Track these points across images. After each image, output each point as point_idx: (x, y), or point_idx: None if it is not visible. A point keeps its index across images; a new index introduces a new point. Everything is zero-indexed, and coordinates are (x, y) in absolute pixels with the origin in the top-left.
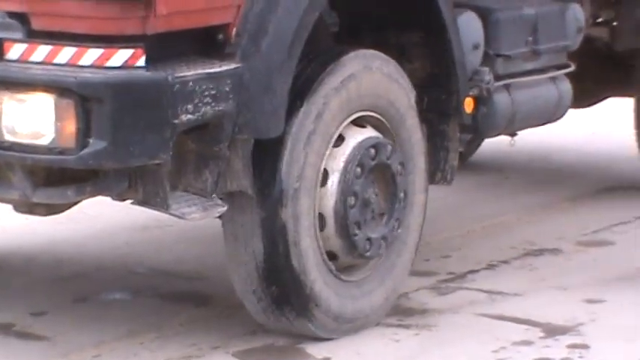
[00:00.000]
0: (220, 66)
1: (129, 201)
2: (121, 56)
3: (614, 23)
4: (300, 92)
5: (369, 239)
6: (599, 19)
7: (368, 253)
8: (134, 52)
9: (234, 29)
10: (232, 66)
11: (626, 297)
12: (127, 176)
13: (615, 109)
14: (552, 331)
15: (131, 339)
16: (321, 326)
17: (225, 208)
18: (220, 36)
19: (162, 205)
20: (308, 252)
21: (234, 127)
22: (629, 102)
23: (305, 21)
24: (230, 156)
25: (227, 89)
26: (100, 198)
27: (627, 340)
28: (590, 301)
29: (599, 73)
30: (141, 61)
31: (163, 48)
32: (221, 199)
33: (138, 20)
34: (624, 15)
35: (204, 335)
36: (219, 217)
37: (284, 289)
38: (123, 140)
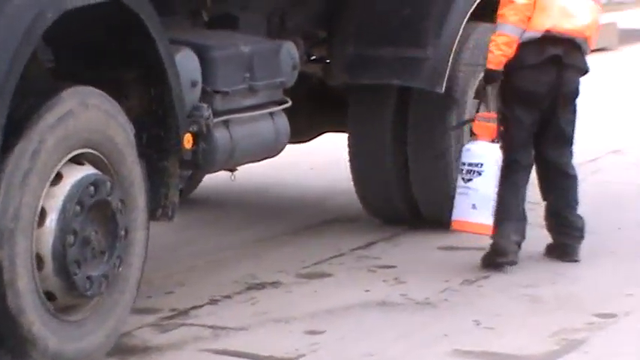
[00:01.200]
0: None
1: None
2: None
3: (327, 61)
4: (15, 130)
5: (89, 278)
6: (313, 57)
7: (88, 293)
8: None
9: None
10: None
11: (346, 327)
12: None
13: (332, 143)
14: None
15: None
16: None
17: None
18: None
19: None
20: (25, 293)
21: None
22: (344, 137)
23: (18, 57)
24: None
25: None
26: None
27: None
28: (311, 333)
29: (314, 109)
30: None
31: None
32: None
33: None
34: (335, 53)
35: None
36: None
37: None
38: None
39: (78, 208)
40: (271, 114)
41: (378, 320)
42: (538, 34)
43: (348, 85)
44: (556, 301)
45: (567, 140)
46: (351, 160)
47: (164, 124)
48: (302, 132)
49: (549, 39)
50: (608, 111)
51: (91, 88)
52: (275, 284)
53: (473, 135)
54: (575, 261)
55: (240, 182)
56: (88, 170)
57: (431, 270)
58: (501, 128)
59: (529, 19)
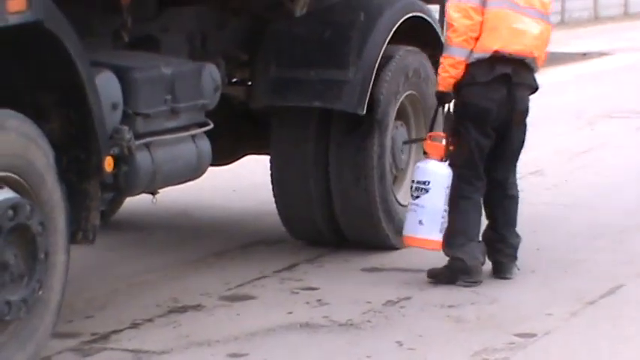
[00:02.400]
0: None
1: None
2: None
3: (249, 83)
4: None
5: (8, 302)
6: (235, 79)
7: (7, 317)
8: None
9: None
10: None
11: (269, 350)
12: None
13: (255, 165)
14: None
15: None
16: None
17: None
18: None
19: None
20: None
21: None
22: (267, 159)
23: None
24: None
25: None
26: None
27: None
28: (234, 356)
29: (236, 131)
30: None
31: None
32: None
33: None
34: (258, 75)
35: None
36: None
37: None
38: None
39: None
40: (193, 136)
41: (301, 342)
42: (486, 55)
43: (270, 108)
44: (477, 321)
45: (516, 160)
46: (273, 182)
47: (85, 146)
48: (224, 154)
49: (498, 58)
50: (527, 133)
51: (9, 111)
52: (198, 307)
53: (425, 154)
54: (508, 278)
55: (162, 205)
56: (7, 193)
57: (353, 291)
58: (450, 148)
59: (477, 39)
